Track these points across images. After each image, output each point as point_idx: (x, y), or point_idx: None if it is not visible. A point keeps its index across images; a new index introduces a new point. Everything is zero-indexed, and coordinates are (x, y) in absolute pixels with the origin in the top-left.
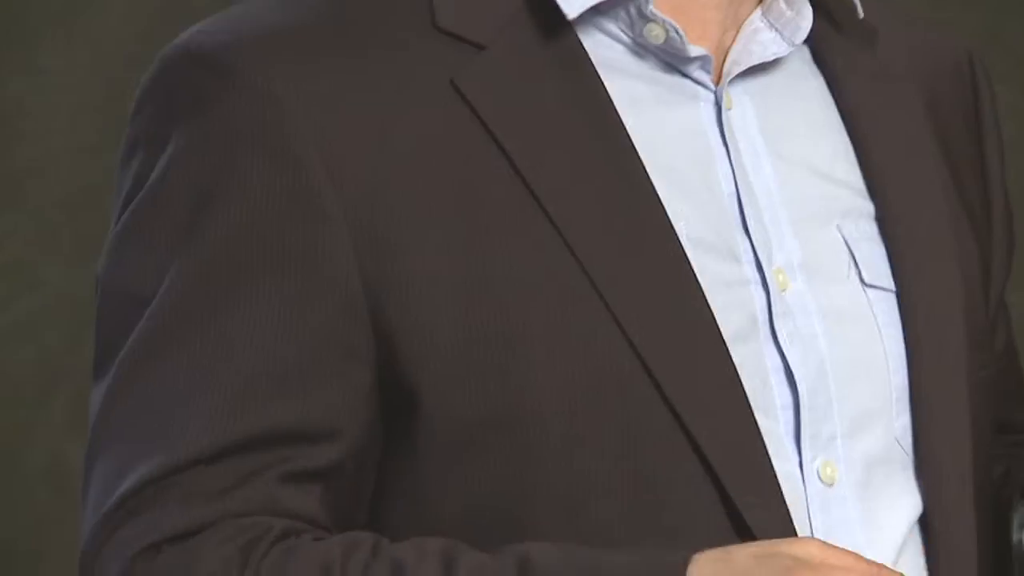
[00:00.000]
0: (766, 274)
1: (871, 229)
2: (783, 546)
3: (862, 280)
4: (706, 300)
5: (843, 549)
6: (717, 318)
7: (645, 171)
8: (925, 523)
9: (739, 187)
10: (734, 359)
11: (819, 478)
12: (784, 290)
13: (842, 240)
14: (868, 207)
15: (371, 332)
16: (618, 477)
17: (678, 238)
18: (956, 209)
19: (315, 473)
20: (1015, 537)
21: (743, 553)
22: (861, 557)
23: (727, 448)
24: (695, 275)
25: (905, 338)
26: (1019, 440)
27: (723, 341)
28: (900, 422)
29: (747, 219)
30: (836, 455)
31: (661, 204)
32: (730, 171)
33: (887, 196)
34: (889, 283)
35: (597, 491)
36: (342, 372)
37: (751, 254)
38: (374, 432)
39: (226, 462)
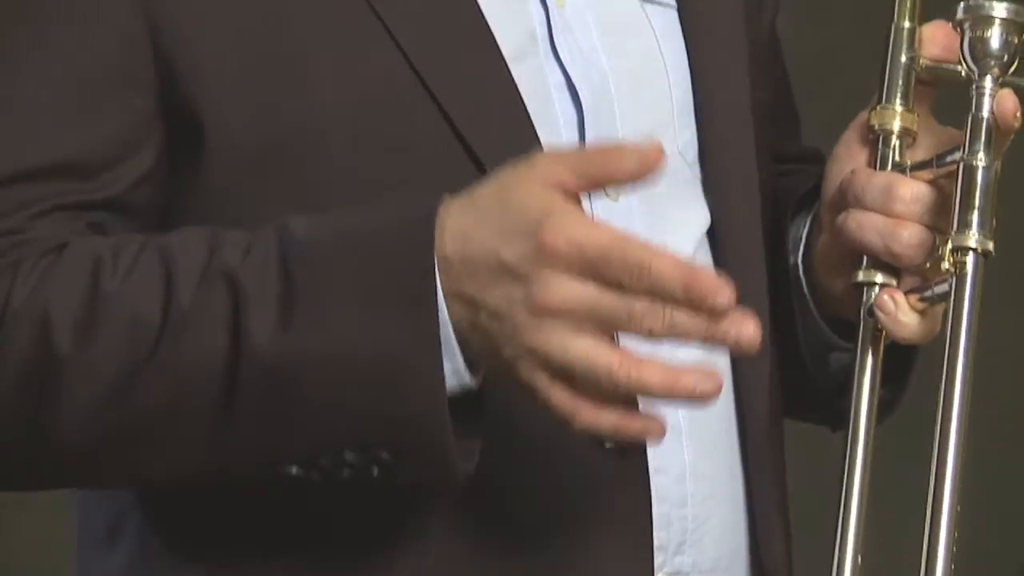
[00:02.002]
0: None
1: None
2: (517, 187)
3: None
4: (484, 17)
5: (568, 157)
6: (496, 35)
7: None
8: (714, 236)
9: None
10: (515, 76)
11: (604, 193)
12: (563, 5)
13: None
14: None
15: (151, 57)
16: (400, 196)
17: None
18: None
19: (99, 205)
20: (791, 259)
21: (485, 193)
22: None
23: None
24: None
25: (688, 52)
26: (790, 169)
27: (502, 58)
28: (683, 136)
29: None
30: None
31: None
32: None
33: None
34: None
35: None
36: (125, 101)
37: None
38: (159, 162)
39: (9, 190)
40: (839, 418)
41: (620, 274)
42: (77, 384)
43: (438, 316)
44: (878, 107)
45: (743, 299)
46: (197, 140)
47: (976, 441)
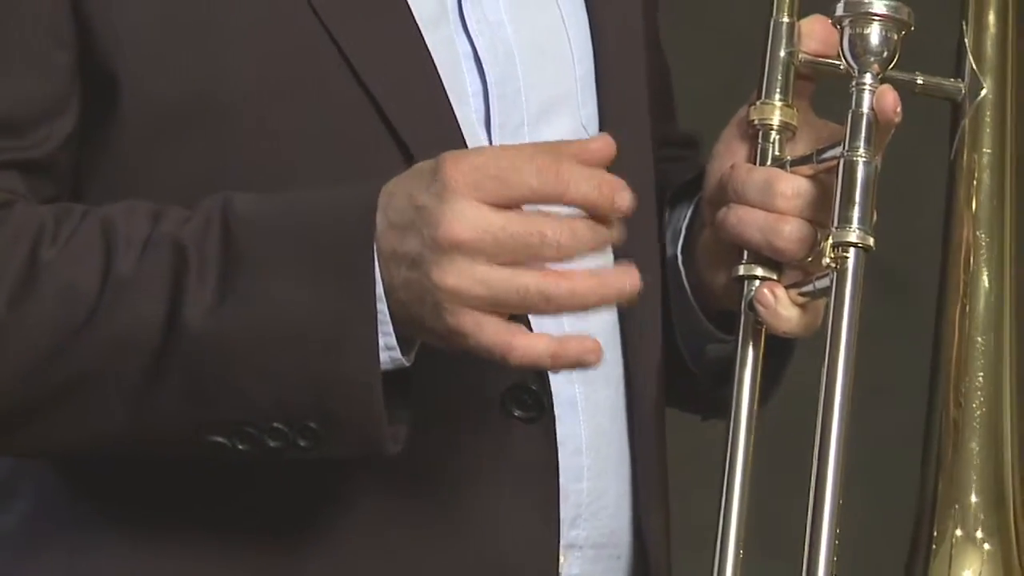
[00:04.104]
0: None
1: None
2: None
3: None
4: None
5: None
6: (409, 2)
7: None
8: None
9: None
10: (428, 44)
11: None
12: None
13: None
14: None
15: (71, 11)
16: (315, 163)
17: None
18: None
19: (28, 163)
20: (670, 250)
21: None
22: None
23: (425, 133)
24: None
25: (591, 28)
26: (669, 155)
27: (416, 26)
28: (587, 110)
29: None
30: (523, 142)
31: None
32: None
33: None
34: None
35: (294, 176)
36: (49, 57)
37: None
38: (78, 124)
39: None
40: (710, 408)
41: (530, 179)
42: (7, 349)
43: (374, 288)
44: (757, 102)
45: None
46: (110, 102)
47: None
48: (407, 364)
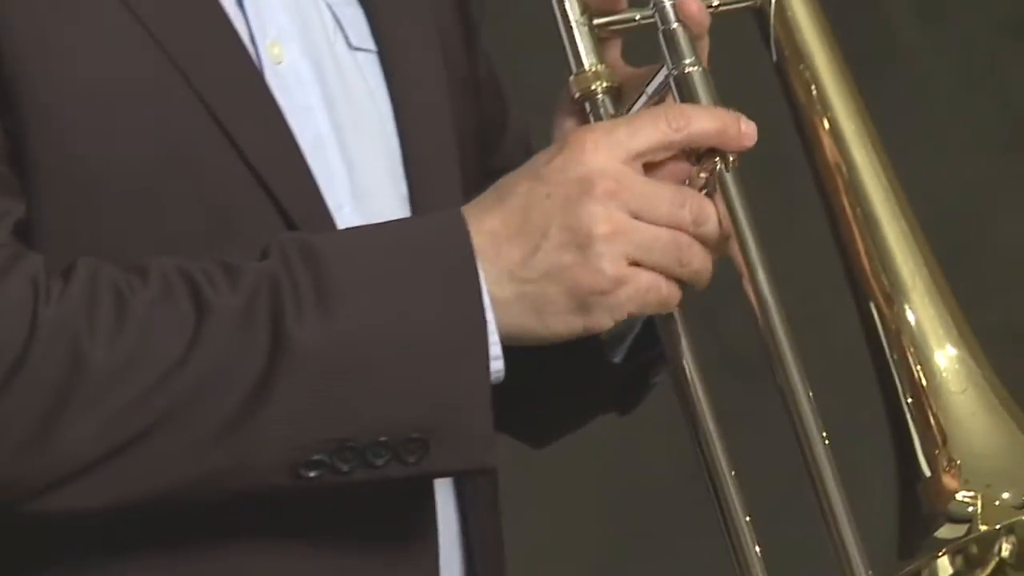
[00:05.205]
0: (260, 49)
1: None
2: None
3: (349, 44)
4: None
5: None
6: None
7: None
8: None
9: None
10: None
11: None
12: (278, 62)
13: (326, 5)
14: None
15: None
16: (202, 224)
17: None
18: None
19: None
20: None
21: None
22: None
23: (301, 206)
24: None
25: (390, 97)
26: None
27: (279, 108)
28: (402, 186)
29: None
30: (346, 224)
31: None
32: None
33: None
34: (371, 44)
35: (180, 238)
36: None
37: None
38: None
39: None
40: (626, 394)
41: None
42: (106, 390)
43: (482, 297)
44: (572, 76)
45: None
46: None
47: None
48: (502, 378)
